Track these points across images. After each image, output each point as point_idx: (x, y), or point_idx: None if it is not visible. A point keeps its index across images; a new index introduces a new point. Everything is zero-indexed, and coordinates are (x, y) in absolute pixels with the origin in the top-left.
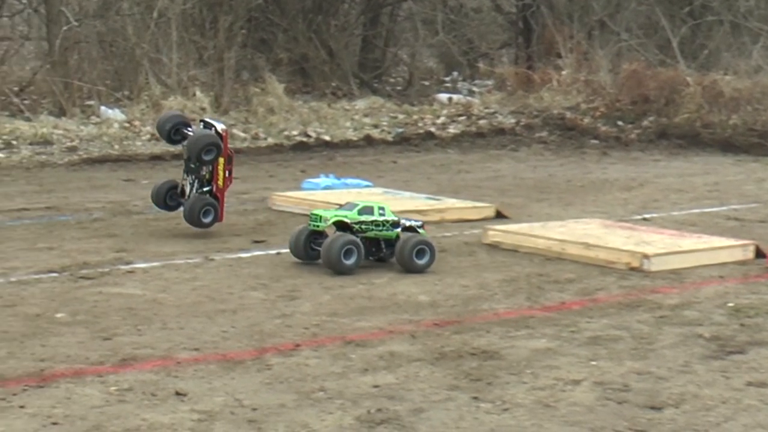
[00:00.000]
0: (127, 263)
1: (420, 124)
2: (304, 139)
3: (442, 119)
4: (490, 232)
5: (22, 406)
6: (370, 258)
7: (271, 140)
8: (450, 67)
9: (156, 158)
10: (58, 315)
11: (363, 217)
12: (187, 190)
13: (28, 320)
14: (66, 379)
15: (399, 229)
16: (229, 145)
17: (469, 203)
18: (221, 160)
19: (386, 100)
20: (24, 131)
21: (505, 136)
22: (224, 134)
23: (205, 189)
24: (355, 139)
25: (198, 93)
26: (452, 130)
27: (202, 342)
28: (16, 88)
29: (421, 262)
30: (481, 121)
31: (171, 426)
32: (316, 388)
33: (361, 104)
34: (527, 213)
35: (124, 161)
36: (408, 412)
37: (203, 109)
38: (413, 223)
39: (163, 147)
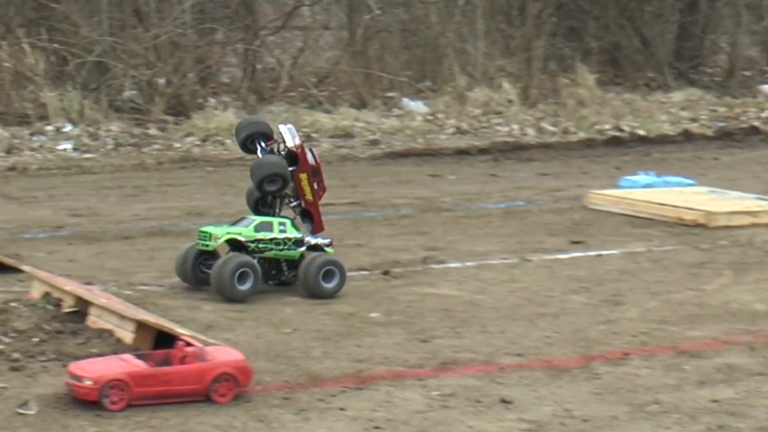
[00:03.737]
0: (440, 262)
1: (743, 118)
2: (618, 134)
3: (767, 113)
4: None
5: (342, 408)
6: (270, 282)
7: (582, 134)
8: None
9: (462, 153)
10: (372, 314)
11: (260, 235)
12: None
13: (342, 319)
14: (385, 382)
15: (303, 248)
16: (309, 158)
17: None
18: (302, 175)
19: (705, 92)
20: (324, 123)
21: None
22: (298, 151)
23: (292, 204)
24: (672, 133)
25: (504, 84)
26: None
27: (524, 347)
28: (314, 80)
29: (329, 285)
30: None
31: None
32: (650, 401)
33: (677, 96)
34: None
35: (428, 155)
36: (752, 430)
37: (510, 101)
38: (320, 241)
39: (469, 141)
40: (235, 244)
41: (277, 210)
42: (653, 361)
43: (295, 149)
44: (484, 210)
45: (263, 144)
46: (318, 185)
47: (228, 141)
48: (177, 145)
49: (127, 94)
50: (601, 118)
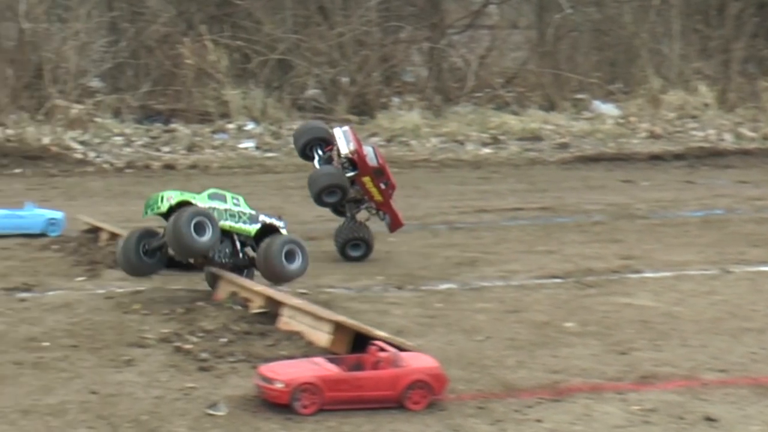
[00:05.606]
0: (636, 272)
1: None
2: None
3: None
4: None
5: (539, 420)
6: (224, 260)
7: None
8: None
9: (655, 158)
10: (567, 324)
11: (214, 203)
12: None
13: (535, 328)
14: (583, 394)
15: (258, 225)
16: (370, 159)
17: None
18: (365, 179)
19: None
20: (512, 126)
21: None
22: (354, 156)
23: (362, 207)
24: None
25: (701, 87)
26: None
27: (728, 363)
28: (501, 80)
29: (292, 266)
30: None
31: None
32: None
33: None
34: None
35: (620, 160)
36: None
37: (706, 105)
38: (276, 222)
39: (662, 146)
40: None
41: (349, 214)
42: None
43: (350, 155)
44: (680, 218)
45: (321, 152)
46: (385, 185)
47: (413, 142)
48: None
49: (311, 92)
50: None
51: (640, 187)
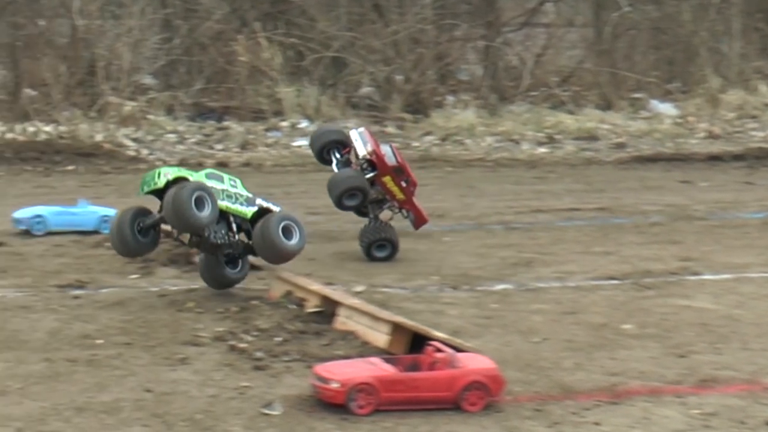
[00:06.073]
0: (695, 274)
1: None
2: None
3: None
4: None
5: (596, 423)
6: (219, 241)
7: None
8: None
9: (714, 158)
10: (625, 326)
11: (211, 183)
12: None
13: (593, 330)
14: (642, 397)
15: (255, 208)
16: (389, 159)
17: None
18: (385, 179)
19: None
20: (568, 125)
21: None
22: (373, 157)
23: (385, 207)
24: None
25: (761, 87)
26: None
27: None
28: (557, 79)
29: (291, 243)
30: None
31: None
32: None
33: None
34: None
35: (678, 161)
36: None
37: (766, 104)
38: (272, 206)
39: (721, 146)
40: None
41: (372, 215)
42: None
43: (369, 156)
44: (740, 220)
45: (338, 155)
46: (406, 182)
47: (468, 141)
48: (415, 143)
49: (365, 90)
50: None
51: (699, 188)
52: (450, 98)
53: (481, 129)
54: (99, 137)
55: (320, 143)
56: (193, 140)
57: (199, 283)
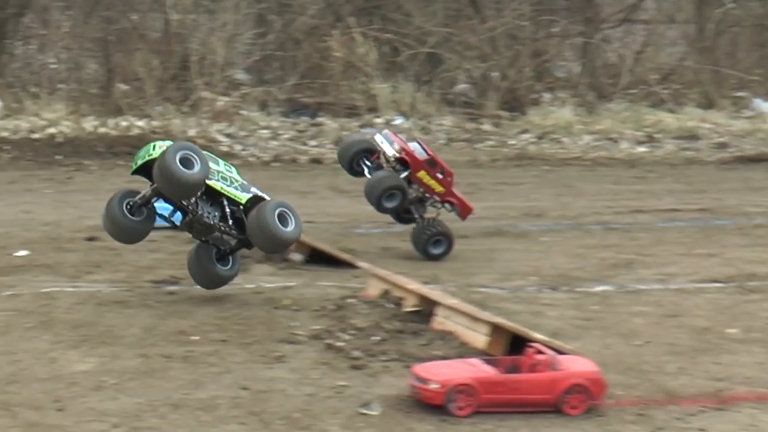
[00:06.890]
0: None
1: None
2: None
3: None
4: None
5: (702, 429)
6: (213, 222)
7: None
8: None
9: None
10: (730, 330)
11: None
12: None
13: (696, 333)
14: (748, 404)
15: (250, 195)
16: (419, 153)
17: None
18: (420, 174)
19: None
20: (668, 124)
21: None
22: (403, 155)
23: (427, 204)
24: None
25: None
26: None
27: None
28: (657, 76)
29: (287, 229)
30: None
31: None
32: None
33: None
34: None
35: None
36: None
37: None
38: (266, 196)
39: None
40: None
41: (417, 215)
42: None
43: (398, 154)
44: None
45: (369, 162)
46: (441, 174)
47: (565, 139)
48: (512, 141)
49: (461, 87)
50: None
51: None
52: (547, 96)
53: (579, 127)
54: (192, 132)
55: (348, 156)
56: (286, 136)
57: (294, 281)
